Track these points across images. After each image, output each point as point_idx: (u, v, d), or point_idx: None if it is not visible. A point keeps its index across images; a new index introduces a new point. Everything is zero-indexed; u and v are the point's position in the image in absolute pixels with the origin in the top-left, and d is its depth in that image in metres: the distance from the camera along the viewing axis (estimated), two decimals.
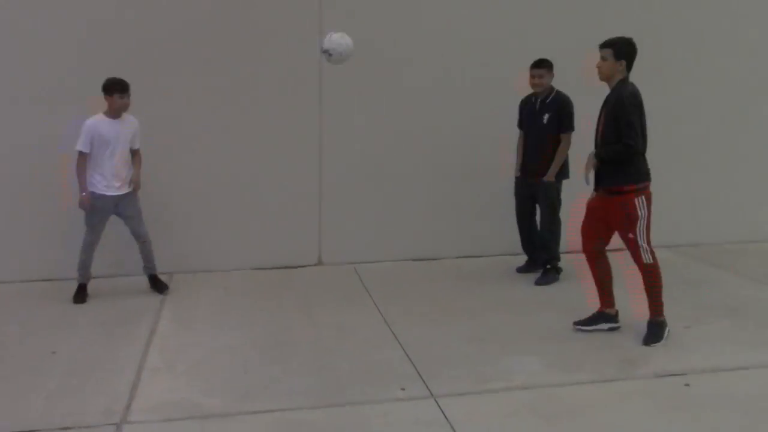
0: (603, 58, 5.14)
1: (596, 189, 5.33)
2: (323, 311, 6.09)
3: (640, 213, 5.08)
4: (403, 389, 4.51)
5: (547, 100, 6.73)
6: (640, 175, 5.13)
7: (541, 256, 6.97)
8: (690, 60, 8.10)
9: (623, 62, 5.10)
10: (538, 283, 6.78)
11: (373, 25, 7.37)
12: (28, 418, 4.17)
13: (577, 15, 7.70)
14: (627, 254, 5.25)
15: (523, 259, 7.32)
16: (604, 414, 4.14)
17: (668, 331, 5.25)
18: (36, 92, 6.77)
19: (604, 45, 5.15)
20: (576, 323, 5.46)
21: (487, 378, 4.65)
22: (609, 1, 7.83)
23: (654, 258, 5.18)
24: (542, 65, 6.65)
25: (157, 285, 6.63)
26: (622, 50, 5.09)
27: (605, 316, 5.47)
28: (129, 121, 6.32)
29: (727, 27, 8.18)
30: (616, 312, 5.50)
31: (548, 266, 6.91)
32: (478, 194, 7.74)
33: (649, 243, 5.16)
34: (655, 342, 5.16)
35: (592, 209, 5.39)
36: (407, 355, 5.05)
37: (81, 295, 6.35)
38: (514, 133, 7.13)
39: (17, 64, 6.78)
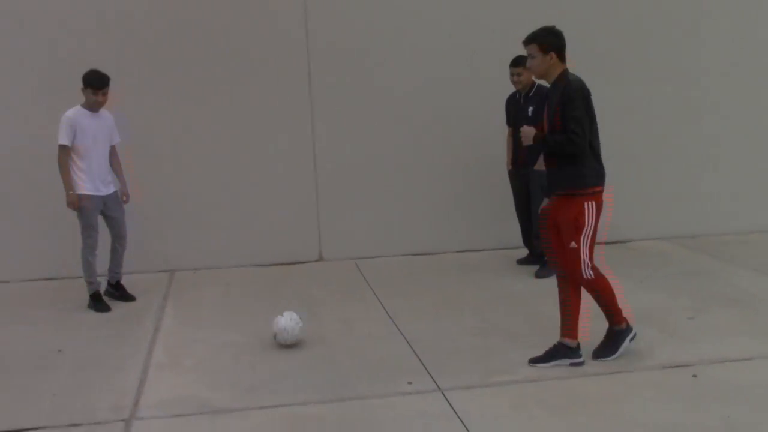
0: (530, 56, 4.65)
1: (549, 195, 4.82)
2: (326, 307, 6.09)
3: (587, 221, 4.53)
4: (410, 383, 4.50)
5: (530, 94, 6.88)
6: (592, 178, 4.56)
7: (538, 246, 6.99)
8: (680, 52, 8.10)
9: (552, 54, 4.56)
10: (538, 275, 6.79)
11: (362, 23, 7.41)
12: (36, 415, 4.17)
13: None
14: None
15: (524, 251, 7.34)
16: (612, 406, 4.13)
17: (631, 337, 4.78)
18: (32, 92, 6.80)
19: (527, 40, 4.64)
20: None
21: (494, 371, 4.65)
22: None
23: (595, 272, 4.64)
24: (520, 63, 6.75)
25: (124, 293, 6.36)
26: (546, 42, 4.57)
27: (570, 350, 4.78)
28: (107, 115, 6.11)
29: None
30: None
31: (544, 260, 6.92)
32: (479, 188, 7.76)
33: (590, 257, 4.60)
34: (607, 357, 4.74)
35: (547, 216, 4.81)
36: (412, 349, 5.05)
37: (102, 303, 6.07)
38: (505, 128, 7.20)
39: (18, 64, 6.78)
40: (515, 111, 7.01)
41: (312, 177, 7.52)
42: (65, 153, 5.89)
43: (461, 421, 3.98)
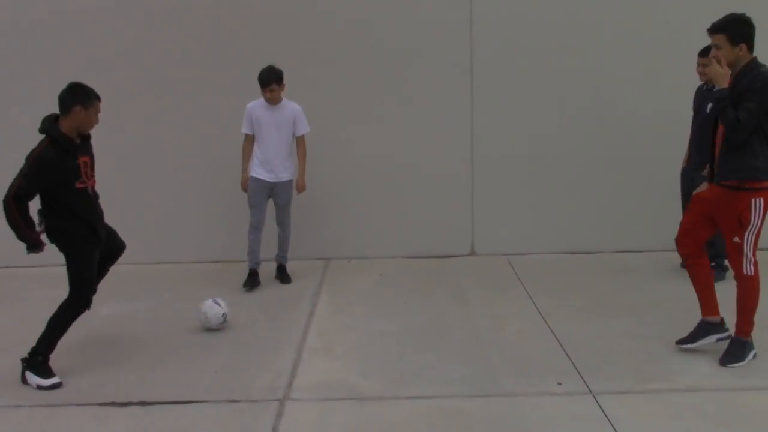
0: (716, 46, 4.34)
1: (711, 180, 4.61)
2: (476, 301, 6.06)
3: (753, 217, 4.37)
4: (559, 383, 4.41)
5: (714, 89, 6.34)
6: (764, 172, 4.34)
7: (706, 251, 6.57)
8: None
9: (743, 46, 4.26)
10: None
11: (527, 12, 7.28)
12: (199, 389, 4.44)
13: None
14: None
15: None
16: None
17: (754, 354, 4.59)
18: (212, 84, 7.19)
19: (714, 30, 4.34)
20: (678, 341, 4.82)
21: (650, 377, 4.46)
22: None
23: (756, 271, 4.49)
24: (707, 54, 6.28)
25: (282, 275, 6.72)
26: (737, 32, 4.27)
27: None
28: (289, 107, 6.39)
29: None
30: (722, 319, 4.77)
31: (713, 264, 6.51)
32: (640, 186, 7.42)
33: (754, 254, 4.47)
34: (734, 363, 4.52)
35: (700, 201, 4.68)
36: (563, 349, 4.94)
37: (251, 280, 6.46)
38: (675, 123, 6.82)
39: (199, 59, 7.23)
40: (698, 105, 6.59)
41: (468, 171, 7.49)
42: (246, 140, 6.45)
43: (613, 426, 3.86)
